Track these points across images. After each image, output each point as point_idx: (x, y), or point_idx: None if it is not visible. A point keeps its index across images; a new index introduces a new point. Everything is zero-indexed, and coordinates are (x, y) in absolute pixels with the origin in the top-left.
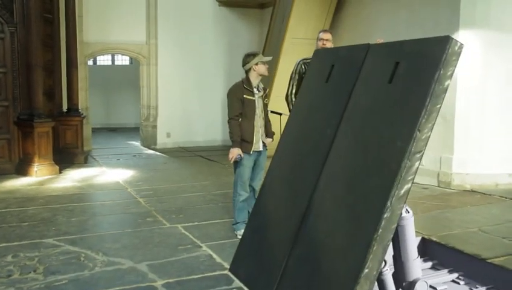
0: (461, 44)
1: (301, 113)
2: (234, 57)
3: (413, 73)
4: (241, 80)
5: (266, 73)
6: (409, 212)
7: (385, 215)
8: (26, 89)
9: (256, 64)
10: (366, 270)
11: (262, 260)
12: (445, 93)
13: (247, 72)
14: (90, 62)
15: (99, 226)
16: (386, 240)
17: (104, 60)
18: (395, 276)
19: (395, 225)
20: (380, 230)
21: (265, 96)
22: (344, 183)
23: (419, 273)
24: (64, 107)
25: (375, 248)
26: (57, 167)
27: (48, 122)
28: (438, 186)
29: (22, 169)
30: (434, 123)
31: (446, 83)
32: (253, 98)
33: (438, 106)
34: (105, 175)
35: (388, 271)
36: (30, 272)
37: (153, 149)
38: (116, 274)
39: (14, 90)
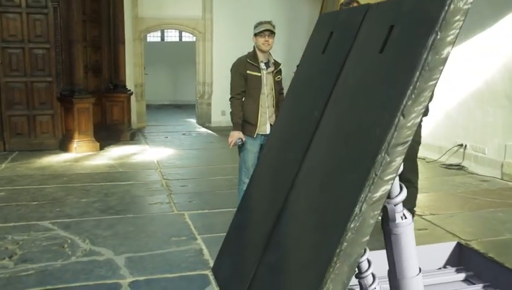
0: None
1: (296, 92)
2: (293, 32)
3: (406, 39)
4: (247, 53)
5: (263, 48)
6: (406, 217)
7: (351, 225)
8: (68, 65)
9: (255, 36)
10: None
11: (238, 263)
12: (444, 65)
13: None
14: (157, 38)
15: (103, 209)
16: (354, 256)
17: (171, 36)
18: None
19: (367, 238)
20: (345, 244)
21: (278, 72)
22: (319, 181)
23: None
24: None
25: (337, 265)
26: (97, 144)
27: (88, 99)
28: (501, 179)
29: (64, 145)
30: (426, 106)
31: (445, 52)
32: (259, 74)
33: (432, 82)
34: (144, 153)
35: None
36: (4, 258)
37: (207, 127)
38: (88, 267)
39: (57, 66)
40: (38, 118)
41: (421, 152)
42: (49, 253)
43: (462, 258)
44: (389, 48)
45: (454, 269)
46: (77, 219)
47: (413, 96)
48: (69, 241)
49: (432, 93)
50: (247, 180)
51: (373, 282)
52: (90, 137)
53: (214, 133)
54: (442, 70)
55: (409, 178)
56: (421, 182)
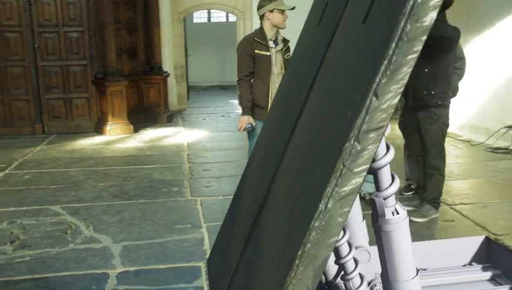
0: None
1: (289, 71)
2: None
3: (385, 4)
4: (254, 31)
5: (283, 25)
6: (398, 213)
7: (316, 224)
8: (101, 48)
9: (271, 11)
10: None
11: (225, 256)
12: (426, 35)
13: (261, 19)
14: (204, 19)
15: (117, 194)
16: (319, 259)
17: (218, 16)
18: None
19: (334, 239)
20: (308, 245)
21: (287, 50)
22: (296, 169)
23: None
24: (165, 67)
25: (300, 269)
26: (131, 126)
27: (121, 81)
28: None
29: (98, 128)
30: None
31: (427, 18)
32: (268, 54)
33: (412, 55)
34: (177, 136)
35: None
36: (6, 243)
37: None
38: (82, 255)
39: (91, 49)
40: (74, 101)
41: (467, 134)
42: (49, 239)
43: (491, 254)
44: (371, 17)
45: (480, 266)
46: (88, 203)
47: (388, 72)
48: (73, 227)
49: (463, 71)
50: None
51: (360, 285)
52: (123, 120)
53: None
54: (424, 41)
55: (434, 164)
56: (461, 167)
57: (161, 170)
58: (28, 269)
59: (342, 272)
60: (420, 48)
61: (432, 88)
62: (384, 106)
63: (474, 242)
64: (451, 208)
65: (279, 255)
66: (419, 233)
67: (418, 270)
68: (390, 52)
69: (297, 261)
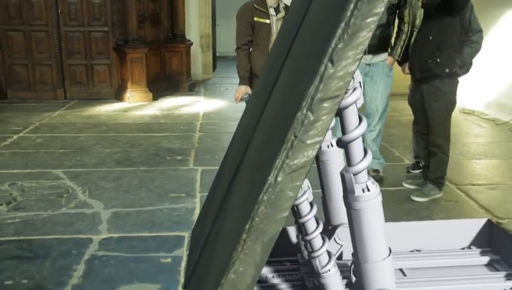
0: None
1: (279, 35)
2: None
3: None
4: None
5: None
6: (369, 190)
7: (265, 197)
8: (122, 14)
9: None
10: (232, 276)
11: (201, 227)
12: None
13: None
14: None
15: (120, 161)
16: (268, 235)
17: None
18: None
19: (285, 214)
20: (256, 219)
21: None
22: (261, 142)
23: (386, 282)
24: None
25: (248, 244)
26: (150, 94)
27: (141, 49)
28: None
29: (118, 95)
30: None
31: None
32: (268, 21)
33: (373, 18)
34: (195, 105)
35: (333, 273)
36: (2, 204)
37: None
38: (71, 219)
39: (112, 16)
40: (95, 67)
41: (493, 113)
42: (44, 202)
43: (492, 238)
44: None
45: (479, 250)
46: (90, 169)
47: (345, 36)
48: (70, 191)
49: (479, 45)
50: None
51: (328, 263)
52: (143, 87)
53: None
54: (386, 2)
55: (439, 143)
56: (478, 146)
57: (170, 138)
58: (16, 230)
59: (311, 249)
60: (382, 9)
61: (437, 56)
62: (340, 74)
63: (475, 225)
64: (458, 188)
65: (233, 229)
66: (417, 213)
67: (390, 251)
68: (348, 14)
69: (244, 235)
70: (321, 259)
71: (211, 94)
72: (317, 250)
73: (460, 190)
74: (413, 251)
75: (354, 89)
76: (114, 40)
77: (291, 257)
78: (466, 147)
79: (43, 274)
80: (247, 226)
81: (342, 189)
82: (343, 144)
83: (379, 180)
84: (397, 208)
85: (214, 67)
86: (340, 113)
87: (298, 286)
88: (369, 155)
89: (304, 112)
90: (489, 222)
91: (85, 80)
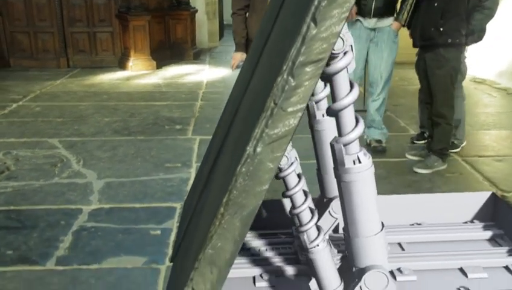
0: None
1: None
2: None
3: None
4: None
5: None
6: (361, 162)
7: (243, 169)
8: None
9: None
10: (210, 251)
11: (191, 198)
12: None
13: None
14: None
15: (118, 130)
16: (248, 209)
17: None
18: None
19: (265, 187)
20: (234, 192)
21: None
22: (245, 110)
23: (378, 258)
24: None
25: (226, 218)
26: (154, 63)
27: (144, 16)
28: None
29: (122, 63)
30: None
31: None
32: None
33: None
34: (199, 74)
35: (323, 248)
36: None
37: None
38: (62, 189)
39: None
40: (98, 35)
41: (505, 82)
42: (37, 172)
43: (496, 213)
44: None
45: (482, 224)
46: (87, 138)
47: None
48: (64, 160)
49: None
50: None
51: (317, 237)
52: (146, 55)
53: None
54: None
55: (442, 113)
56: (487, 117)
57: (171, 107)
58: (6, 200)
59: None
60: None
61: (440, 24)
62: (324, 34)
63: (479, 198)
64: (464, 160)
65: (213, 202)
66: (419, 185)
67: (383, 226)
68: None
69: (222, 209)
70: (309, 233)
71: (216, 62)
72: (306, 224)
73: (466, 162)
74: (413, 225)
75: (345, 53)
76: (116, 8)
77: (286, 230)
78: (475, 117)
79: (29, 245)
80: (224, 200)
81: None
82: (333, 112)
83: (382, 151)
84: (398, 180)
85: (221, 36)
86: (330, 79)
87: (291, 259)
88: (361, 124)
89: (285, 76)
90: (493, 195)
91: (88, 48)
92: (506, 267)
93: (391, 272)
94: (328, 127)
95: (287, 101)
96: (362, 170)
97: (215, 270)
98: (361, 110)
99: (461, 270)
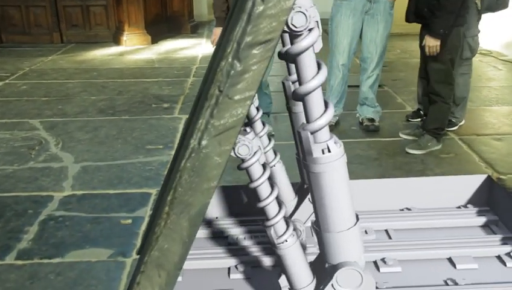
0: None
1: None
2: None
3: None
4: None
5: None
6: (330, 151)
7: (188, 164)
8: None
9: None
10: (156, 254)
11: (166, 182)
12: None
13: None
14: None
15: (103, 109)
16: (196, 207)
17: None
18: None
19: (214, 184)
20: (180, 189)
21: None
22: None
23: (351, 254)
24: None
25: (171, 218)
26: (149, 37)
27: None
28: None
29: (116, 38)
30: None
31: None
32: None
33: None
34: (195, 48)
35: (292, 243)
36: None
37: None
38: (36, 175)
39: None
40: (91, 8)
41: None
42: (12, 155)
43: (491, 197)
44: None
45: (476, 209)
46: (69, 118)
47: None
48: (43, 142)
49: None
50: None
51: (285, 232)
52: (141, 30)
53: None
54: None
55: (438, 90)
56: (490, 91)
57: (161, 84)
58: None
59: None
60: None
61: (435, 7)
62: (273, 11)
63: (474, 181)
64: (460, 139)
65: (162, 200)
66: (410, 167)
67: (357, 218)
68: None
69: (167, 208)
70: (277, 228)
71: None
72: (272, 218)
73: (463, 141)
74: (403, 210)
75: (310, 30)
76: None
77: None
78: (476, 92)
79: None
80: (169, 198)
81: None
82: (299, 96)
83: (374, 130)
84: (388, 162)
85: None
86: (294, 60)
87: (270, 249)
88: (330, 110)
89: (230, 60)
90: (488, 178)
91: (81, 22)
92: (499, 257)
93: (375, 263)
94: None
95: (233, 88)
96: (332, 160)
97: (164, 274)
98: (356, 85)
99: (450, 260)
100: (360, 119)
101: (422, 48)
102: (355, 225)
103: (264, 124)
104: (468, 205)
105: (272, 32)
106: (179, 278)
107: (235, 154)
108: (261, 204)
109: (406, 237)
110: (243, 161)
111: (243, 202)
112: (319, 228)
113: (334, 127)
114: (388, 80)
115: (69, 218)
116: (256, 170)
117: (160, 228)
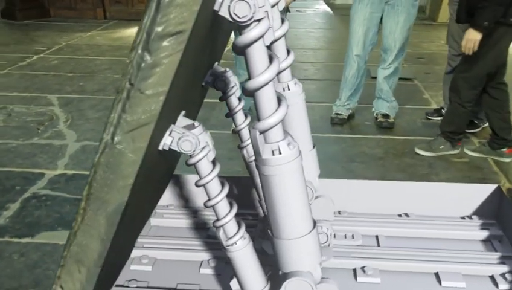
0: None
1: None
2: None
3: None
4: None
5: None
6: (281, 153)
7: (102, 160)
8: None
9: None
10: (75, 249)
11: None
12: None
13: None
14: None
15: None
16: (112, 205)
17: None
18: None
19: (130, 182)
20: (95, 185)
21: None
22: None
23: (303, 264)
24: None
25: (88, 214)
26: None
27: None
28: None
29: None
30: None
31: None
32: None
33: None
34: None
35: (241, 246)
36: None
37: (330, 5)
38: (35, 151)
39: None
40: None
41: None
42: (21, 130)
43: (499, 210)
44: None
45: (480, 222)
46: (86, 96)
47: None
48: (53, 118)
49: None
50: (241, 71)
51: (236, 233)
52: None
53: (331, 12)
54: None
55: (458, 90)
56: None
57: None
58: None
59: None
60: None
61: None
62: (183, 0)
63: (481, 191)
64: (480, 143)
65: None
66: (414, 170)
67: (315, 225)
68: None
69: (83, 203)
70: (226, 229)
71: None
72: (222, 218)
73: (482, 145)
74: (401, 216)
75: (259, 20)
76: None
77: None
78: None
79: None
80: (85, 193)
81: (302, 141)
82: (248, 91)
83: (388, 127)
84: (393, 163)
85: None
86: (242, 52)
87: None
88: (283, 107)
89: (139, 51)
90: (498, 189)
91: None
92: (492, 277)
93: (354, 271)
94: (291, 103)
95: (145, 82)
96: (282, 163)
97: (84, 270)
98: (374, 76)
99: (437, 275)
100: (374, 114)
101: None
102: (309, 232)
103: (246, 116)
104: (473, 217)
105: (183, 23)
106: (149, 268)
107: (179, 150)
108: (210, 203)
109: (396, 245)
110: (190, 156)
111: (233, 193)
112: (271, 232)
113: (346, 121)
114: (421, 73)
115: (51, 197)
116: (203, 167)
117: (78, 223)
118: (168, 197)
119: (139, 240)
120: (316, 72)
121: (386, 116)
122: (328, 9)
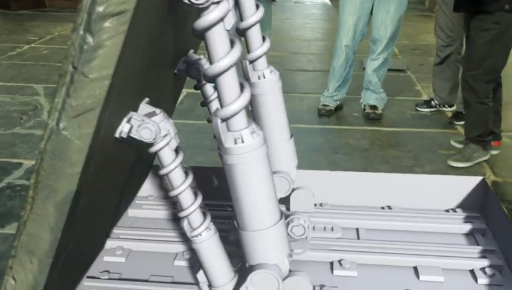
0: None
1: None
2: None
3: None
4: None
5: None
6: (244, 141)
7: (48, 146)
8: None
9: None
10: (26, 239)
11: None
12: None
13: None
14: None
15: None
16: (61, 194)
17: None
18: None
19: (78, 170)
20: (42, 173)
21: None
22: None
23: (269, 256)
24: None
25: (37, 203)
26: None
27: None
28: None
29: None
30: None
31: None
32: None
33: None
34: None
35: (206, 238)
36: None
37: None
38: (16, 141)
39: None
40: None
41: None
42: (2, 119)
43: (485, 203)
44: None
45: (464, 215)
46: None
47: None
48: (38, 108)
49: None
50: None
51: (201, 224)
52: None
53: (329, 3)
54: None
55: (473, 87)
56: None
57: None
58: None
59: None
60: None
61: None
62: None
63: (466, 184)
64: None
65: None
66: (398, 161)
67: (281, 217)
68: None
69: (31, 191)
70: (191, 219)
71: None
72: (186, 208)
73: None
74: (384, 208)
75: (218, 3)
76: None
77: None
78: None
79: None
80: (32, 181)
81: (279, 131)
82: (209, 77)
83: (375, 118)
84: (377, 154)
85: None
86: (202, 36)
87: (223, 237)
88: (246, 94)
89: (81, 33)
90: (483, 181)
91: None
92: (472, 272)
93: (331, 264)
94: (266, 92)
95: (88, 65)
96: (245, 152)
97: (35, 261)
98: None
99: (415, 269)
100: (362, 106)
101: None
102: (275, 224)
103: None
104: (458, 209)
105: (124, 2)
106: (122, 259)
107: (139, 138)
108: (173, 193)
109: (376, 238)
110: (151, 145)
111: (213, 185)
112: (236, 223)
113: (334, 112)
114: (415, 64)
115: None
116: (165, 156)
117: (27, 212)
118: (148, 188)
119: (114, 231)
120: (307, 63)
121: (373, 107)
122: (327, 0)
